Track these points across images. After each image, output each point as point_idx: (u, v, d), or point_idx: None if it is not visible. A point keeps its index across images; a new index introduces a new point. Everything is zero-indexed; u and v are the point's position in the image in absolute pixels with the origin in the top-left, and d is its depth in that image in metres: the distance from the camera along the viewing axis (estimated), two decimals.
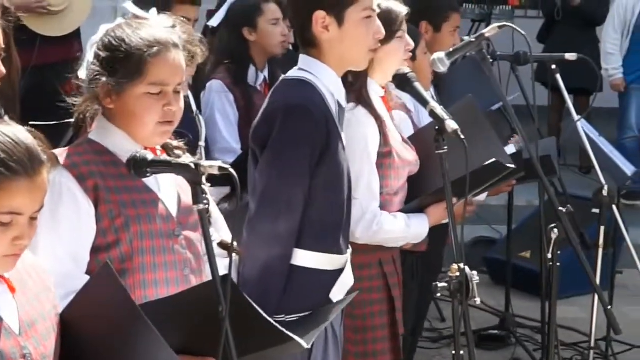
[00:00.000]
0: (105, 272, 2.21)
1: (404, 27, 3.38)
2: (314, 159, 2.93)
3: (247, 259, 2.94)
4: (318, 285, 2.98)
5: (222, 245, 2.79)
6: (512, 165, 3.40)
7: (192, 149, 3.80)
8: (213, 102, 4.28)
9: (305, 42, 3.03)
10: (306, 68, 3.03)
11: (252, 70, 4.39)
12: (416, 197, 3.41)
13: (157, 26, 2.60)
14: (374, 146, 3.30)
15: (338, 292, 3.02)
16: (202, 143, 4.07)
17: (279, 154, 2.93)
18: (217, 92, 4.28)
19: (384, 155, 3.31)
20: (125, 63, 2.53)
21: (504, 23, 3.45)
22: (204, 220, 2.33)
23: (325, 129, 2.94)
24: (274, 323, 2.44)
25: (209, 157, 4.13)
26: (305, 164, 2.93)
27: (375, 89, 3.35)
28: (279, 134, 2.92)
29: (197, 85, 4.38)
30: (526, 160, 3.78)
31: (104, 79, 2.54)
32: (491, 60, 3.54)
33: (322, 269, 2.99)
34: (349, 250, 3.12)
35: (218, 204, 3.40)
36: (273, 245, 2.93)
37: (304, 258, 2.97)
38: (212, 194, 3.32)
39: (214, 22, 4.42)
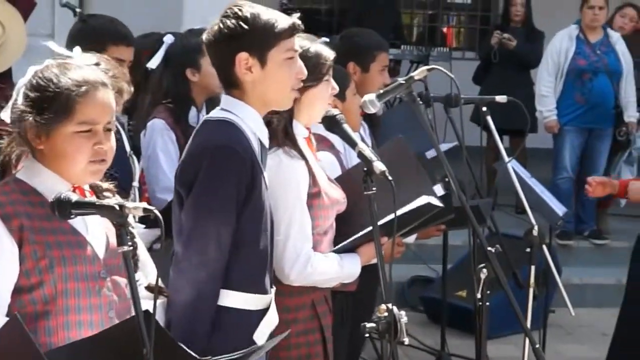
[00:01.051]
0: (14, 325, 2.19)
1: (331, 71, 3.42)
2: (240, 199, 2.95)
3: (173, 301, 2.93)
4: (243, 325, 2.97)
5: (149, 288, 2.78)
6: (440, 204, 3.44)
7: (126, 190, 3.79)
8: (155, 141, 4.25)
9: (228, 83, 3.05)
10: (228, 108, 3.05)
11: (192, 110, 4.39)
12: (345, 236, 3.43)
13: (86, 67, 2.61)
14: (304, 187, 3.29)
15: (262, 332, 3.02)
16: (135, 184, 4.05)
17: (205, 195, 2.93)
18: (160, 131, 4.25)
19: (313, 196, 3.31)
20: (53, 103, 2.54)
21: (433, 66, 3.49)
22: (128, 263, 2.32)
23: (251, 169, 2.96)
24: (201, 359, 2.43)
25: (151, 196, 4.12)
26: (232, 204, 2.94)
27: (299, 131, 3.38)
28: (205, 175, 2.92)
29: (133, 125, 4.36)
30: (457, 207, 3.81)
31: (32, 119, 2.54)
32: (421, 103, 3.57)
33: (248, 309, 2.99)
34: (273, 290, 3.12)
35: (152, 245, 3.39)
36: (200, 287, 2.92)
37: (230, 298, 2.96)
38: (147, 236, 3.32)
39: (153, 64, 4.41)
